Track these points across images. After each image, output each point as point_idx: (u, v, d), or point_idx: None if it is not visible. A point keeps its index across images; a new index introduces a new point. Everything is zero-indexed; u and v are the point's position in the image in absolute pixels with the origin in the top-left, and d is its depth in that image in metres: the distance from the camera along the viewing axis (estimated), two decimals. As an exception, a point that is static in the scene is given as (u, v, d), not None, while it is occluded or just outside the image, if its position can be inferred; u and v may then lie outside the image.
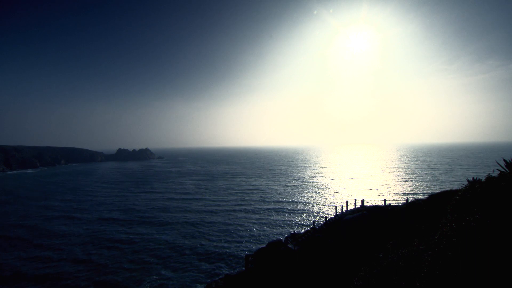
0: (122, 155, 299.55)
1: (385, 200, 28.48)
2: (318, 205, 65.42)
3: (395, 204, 26.53)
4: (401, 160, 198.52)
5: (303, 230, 43.57)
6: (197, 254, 37.91)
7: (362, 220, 21.56)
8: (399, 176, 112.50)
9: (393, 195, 73.46)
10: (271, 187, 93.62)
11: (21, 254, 39.34)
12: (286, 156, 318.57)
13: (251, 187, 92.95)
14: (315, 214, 57.94)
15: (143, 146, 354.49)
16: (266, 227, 49.48)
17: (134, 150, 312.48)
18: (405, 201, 22.97)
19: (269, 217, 55.49)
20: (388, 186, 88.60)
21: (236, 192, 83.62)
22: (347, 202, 30.31)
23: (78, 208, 66.48)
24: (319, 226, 26.71)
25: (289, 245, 21.13)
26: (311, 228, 26.98)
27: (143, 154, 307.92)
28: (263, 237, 44.12)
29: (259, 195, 78.29)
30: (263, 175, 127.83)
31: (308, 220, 53.08)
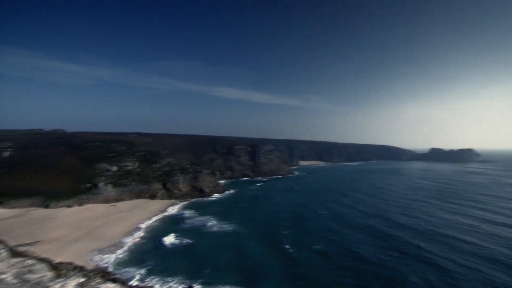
0: (434, 155, 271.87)
1: None
2: None
3: None
4: None
5: None
6: None
7: None
8: None
9: None
10: None
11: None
12: None
13: None
14: None
15: (463, 145, 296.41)
16: None
17: (451, 150, 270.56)
18: None
19: None
20: None
21: None
22: None
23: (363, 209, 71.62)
24: None
25: None
26: None
27: (461, 155, 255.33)
28: None
29: None
30: None
31: None
